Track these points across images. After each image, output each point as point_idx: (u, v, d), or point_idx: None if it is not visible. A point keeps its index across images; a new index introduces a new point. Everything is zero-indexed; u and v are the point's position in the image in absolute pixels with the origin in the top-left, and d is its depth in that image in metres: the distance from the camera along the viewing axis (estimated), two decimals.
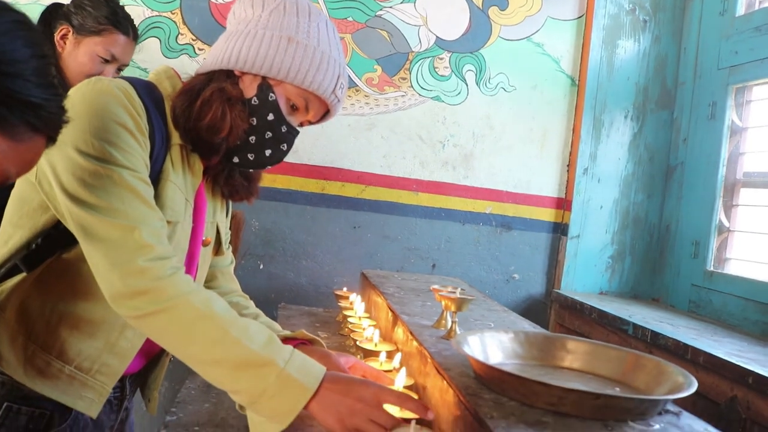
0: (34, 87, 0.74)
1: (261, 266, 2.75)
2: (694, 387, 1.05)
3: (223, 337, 1.02)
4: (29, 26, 0.77)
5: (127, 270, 1.01)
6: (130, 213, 1.03)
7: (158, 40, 2.63)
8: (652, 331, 2.14)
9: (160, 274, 1.02)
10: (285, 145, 1.24)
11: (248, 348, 1.02)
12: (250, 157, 1.23)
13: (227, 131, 1.17)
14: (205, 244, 1.32)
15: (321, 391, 1.02)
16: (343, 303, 2.17)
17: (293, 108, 1.22)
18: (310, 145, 2.77)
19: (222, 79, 1.19)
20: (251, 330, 1.05)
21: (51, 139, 0.81)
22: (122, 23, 1.86)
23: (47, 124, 0.77)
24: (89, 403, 1.16)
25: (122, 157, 1.06)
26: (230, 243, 1.52)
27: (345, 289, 2.31)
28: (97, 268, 1.03)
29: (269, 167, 1.29)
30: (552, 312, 2.95)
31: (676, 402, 1.09)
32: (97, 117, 1.05)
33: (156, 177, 1.15)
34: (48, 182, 1.05)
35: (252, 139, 1.21)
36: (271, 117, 1.20)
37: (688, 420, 1.05)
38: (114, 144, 1.05)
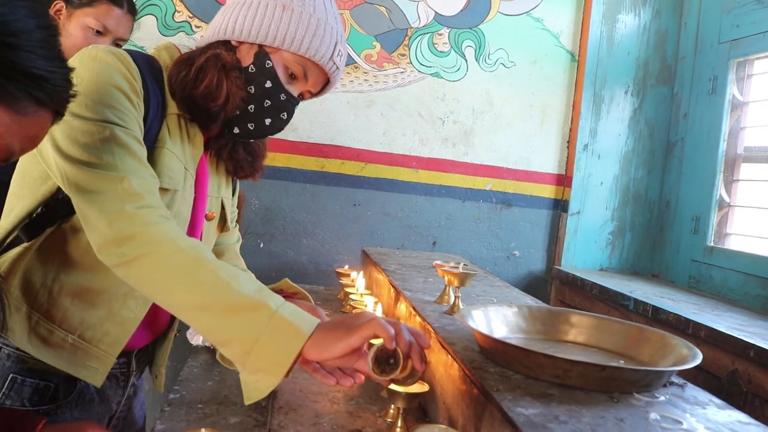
0: (39, 59, 0.72)
1: (261, 245, 2.75)
2: (698, 359, 1.05)
3: (213, 281, 0.99)
4: None
5: (115, 216, 1.00)
6: (120, 165, 1.03)
7: (155, 18, 2.60)
8: (653, 306, 2.14)
9: (149, 221, 1.01)
10: (285, 114, 1.24)
11: (239, 291, 0.98)
12: (250, 126, 1.23)
13: (223, 99, 1.17)
14: (208, 218, 1.31)
15: (315, 334, 0.97)
16: (344, 280, 2.17)
17: (292, 77, 1.22)
18: (309, 122, 2.75)
19: (217, 47, 1.19)
20: (241, 277, 1.02)
21: (57, 113, 0.79)
22: None
23: (52, 97, 0.75)
24: (93, 372, 1.17)
25: (115, 116, 1.05)
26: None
27: (346, 266, 2.32)
28: (87, 219, 1.02)
29: (270, 137, 1.29)
30: (552, 288, 2.96)
31: (678, 375, 1.10)
32: (91, 80, 1.05)
33: (151, 144, 1.15)
34: (47, 150, 1.05)
35: (251, 107, 1.21)
36: (268, 84, 1.19)
37: (693, 391, 1.05)
38: (107, 104, 1.05)
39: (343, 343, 0.97)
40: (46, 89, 0.73)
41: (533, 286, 2.96)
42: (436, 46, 2.85)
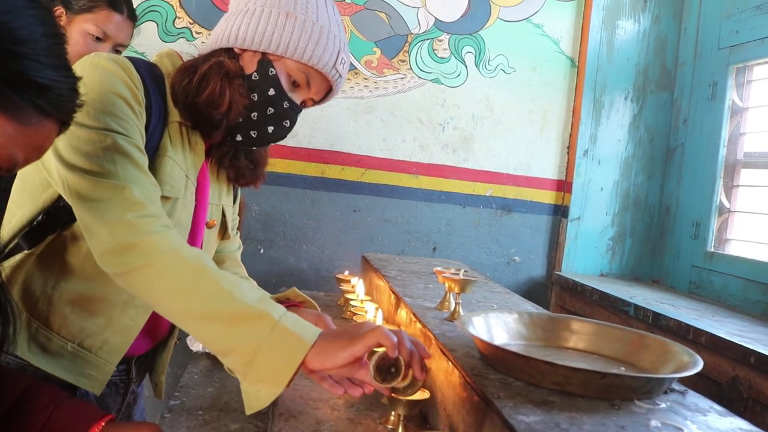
0: (45, 68, 0.70)
1: (261, 251, 2.75)
2: (699, 365, 1.05)
3: (215, 290, 0.99)
4: (40, 5, 0.73)
5: (116, 225, 1.00)
6: (122, 174, 1.03)
7: (155, 24, 2.60)
8: (653, 312, 2.14)
9: (150, 230, 1.01)
10: (288, 121, 1.24)
11: (241, 301, 0.98)
12: (253, 134, 1.23)
13: (226, 106, 1.17)
14: (209, 226, 1.31)
15: (318, 343, 0.97)
16: (344, 286, 2.17)
17: (294, 84, 1.22)
18: (310, 128, 2.76)
19: (221, 55, 1.19)
20: (243, 286, 1.02)
21: (63, 123, 0.77)
22: (116, 0, 1.83)
23: (57, 107, 0.73)
24: (93, 380, 1.17)
25: (117, 124, 1.05)
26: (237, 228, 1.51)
27: (346, 272, 2.32)
28: (88, 227, 1.02)
29: (272, 144, 1.29)
30: (553, 294, 2.96)
31: (679, 382, 1.10)
32: (93, 89, 1.05)
33: (153, 152, 1.15)
34: (48, 158, 1.05)
35: (254, 115, 1.21)
36: (272, 92, 1.19)
37: (694, 398, 1.05)
38: (109, 112, 1.05)
39: (347, 352, 0.97)
40: (50, 99, 0.72)
41: (533, 291, 2.96)
42: (436, 52, 2.86)
